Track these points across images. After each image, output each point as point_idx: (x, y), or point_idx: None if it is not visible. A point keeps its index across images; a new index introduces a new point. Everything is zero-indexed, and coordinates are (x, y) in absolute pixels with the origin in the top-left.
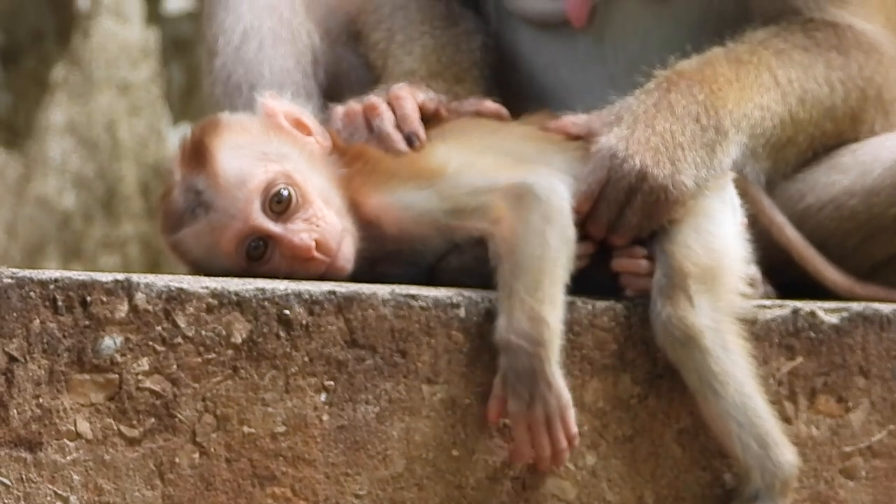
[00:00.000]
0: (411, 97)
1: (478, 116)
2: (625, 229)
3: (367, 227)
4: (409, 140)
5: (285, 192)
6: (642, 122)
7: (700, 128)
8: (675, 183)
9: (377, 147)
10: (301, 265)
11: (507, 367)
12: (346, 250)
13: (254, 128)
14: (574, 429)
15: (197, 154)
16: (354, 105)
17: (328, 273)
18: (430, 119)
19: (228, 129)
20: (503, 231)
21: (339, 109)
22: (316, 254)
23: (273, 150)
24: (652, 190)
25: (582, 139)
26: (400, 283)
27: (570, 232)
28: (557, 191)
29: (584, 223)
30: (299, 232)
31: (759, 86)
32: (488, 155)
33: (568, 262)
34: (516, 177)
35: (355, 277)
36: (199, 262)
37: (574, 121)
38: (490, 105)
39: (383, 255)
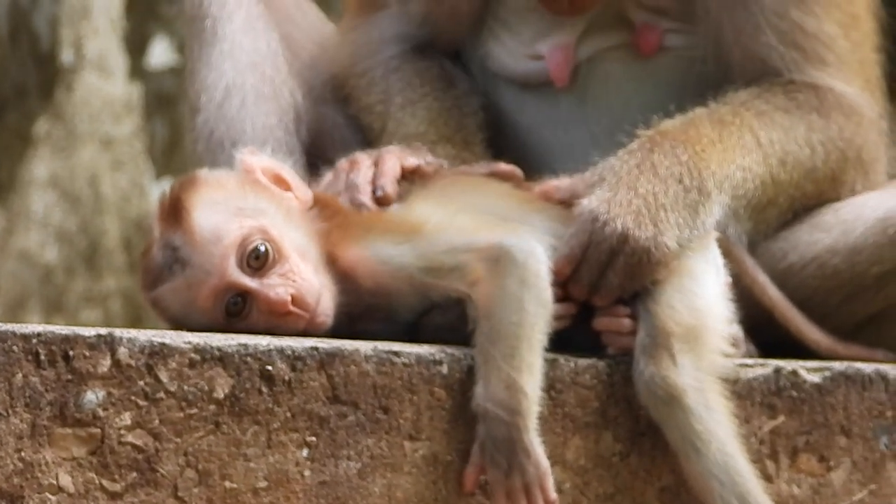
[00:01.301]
0: (397, 157)
1: (490, 178)
2: (606, 290)
3: (344, 280)
4: (376, 194)
5: (261, 248)
6: (625, 183)
7: (683, 188)
8: (658, 244)
9: (347, 199)
10: (278, 320)
11: (485, 435)
12: (325, 305)
13: (231, 184)
14: (553, 495)
15: (174, 211)
16: (344, 162)
17: (308, 328)
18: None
19: (205, 186)
20: (480, 295)
21: (329, 172)
22: (292, 308)
23: (249, 206)
24: (634, 252)
25: (564, 203)
26: (382, 339)
27: (547, 295)
28: (535, 254)
29: (566, 284)
30: (275, 287)
31: (741, 147)
32: (468, 213)
33: (545, 327)
34: (494, 238)
35: (335, 334)
36: (179, 318)
37: (558, 185)
38: (504, 167)
39: (361, 311)
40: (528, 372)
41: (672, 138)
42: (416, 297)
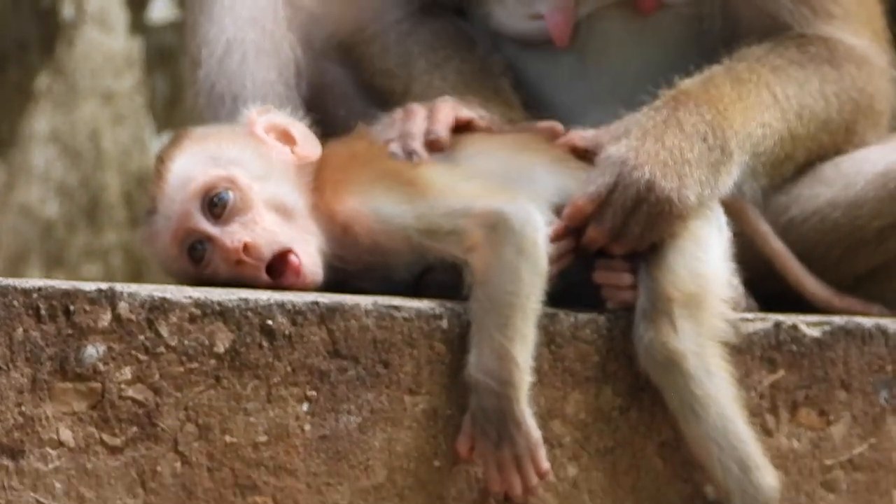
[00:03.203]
0: (451, 108)
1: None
2: (626, 239)
3: (341, 235)
4: (431, 144)
5: (225, 195)
6: (652, 135)
7: (707, 147)
8: (681, 197)
9: (399, 146)
10: (234, 269)
11: (476, 406)
12: (309, 260)
13: (216, 136)
14: (545, 465)
15: (160, 161)
16: (399, 111)
17: (295, 284)
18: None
19: (189, 139)
20: (476, 262)
21: (385, 117)
22: (244, 257)
23: (225, 156)
24: (658, 201)
25: (588, 153)
26: (383, 293)
27: (543, 264)
28: (532, 221)
29: (580, 232)
30: (233, 234)
31: (759, 104)
32: (472, 177)
33: (540, 297)
34: (492, 204)
35: (335, 290)
36: (163, 268)
37: (582, 135)
38: (544, 124)
39: (359, 270)
40: (520, 342)
41: (695, 98)
42: (414, 258)
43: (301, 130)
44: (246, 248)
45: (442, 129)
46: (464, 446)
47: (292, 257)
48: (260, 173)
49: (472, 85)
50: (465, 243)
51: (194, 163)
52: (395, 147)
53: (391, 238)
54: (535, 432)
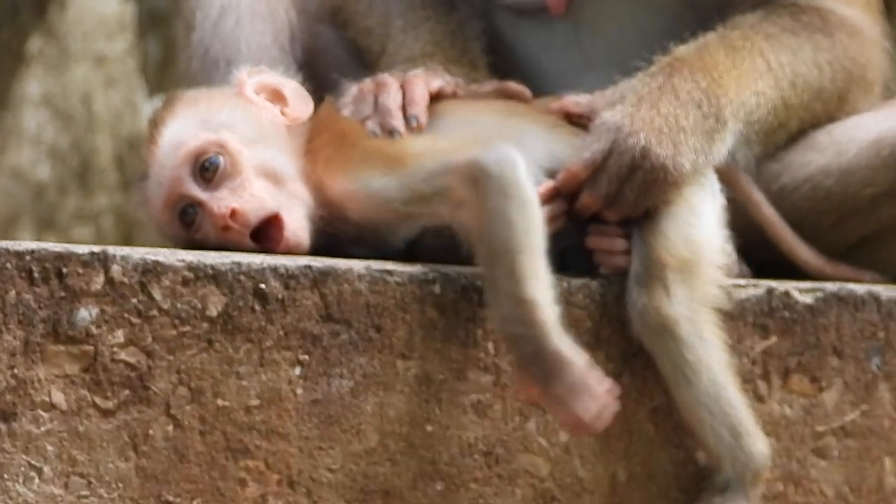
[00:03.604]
0: (424, 83)
1: (499, 97)
2: (620, 205)
3: (332, 209)
4: (409, 122)
5: (216, 160)
6: (647, 102)
7: (702, 115)
8: (676, 164)
9: (377, 123)
10: (221, 235)
11: (518, 355)
12: (295, 226)
13: (208, 99)
14: (604, 385)
15: (151, 125)
16: (367, 83)
17: (279, 250)
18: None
19: (181, 102)
20: (468, 218)
21: (353, 86)
22: (230, 223)
23: (215, 119)
24: (653, 168)
25: (583, 119)
26: (376, 258)
27: (532, 197)
28: (510, 160)
29: (574, 197)
30: (222, 200)
31: (753, 72)
32: (451, 137)
33: (538, 229)
34: (469, 156)
35: (328, 254)
36: (156, 231)
37: (577, 100)
38: (513, 85)
39: (352, 238)
40: (534, 281)
41: (690, 65)
42: (406, 228)
43: (293, 89)
44: (233, 213)
45: (421, 113)
46: (523, 393)
47: (279, 223)
48: (250, 137)
49: (442, 45)
50: (450, 201)
51: (185, 127)
52: (372, 125)
53: (381, 211)
54: (579, 359)
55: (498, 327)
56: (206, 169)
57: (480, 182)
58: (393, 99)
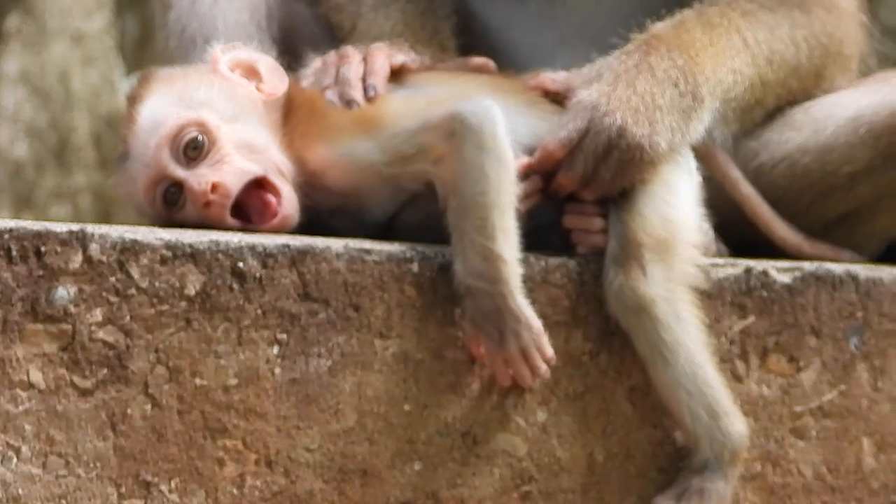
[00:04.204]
0: (385, 56)
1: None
2: (597, 184)
3: (313, 180)
4: (367, 91)
5: (196, 138)
6: (623, 80)
7: (678, 93)
8: (652, 143)
9: (336, 93)
10: (202, 212)
11: (473, 309)
12: (286, 191)
13: (185, 77)
14: (550, 352)
15: (129, 103)
16: (332, 55)
17: (273, 225)
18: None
19: (158, 79)
20: (444, 171)
21: (317, 58)
22: (211, 197)
23: (193, 97)
24: (629, 147)
25: (559, 96)
26: (354, 237)
27: (508, 155)
28: (489, 115)
29: (551, 174)
30: (201, 177)
31: (730, 49)
32: (428, 96)
33: (512, 188)
34: (447, 109)
35: (307, 232)
36: (136, 209)
37: (553, 77)
38: (477, 60)
39: (332, 210)
40: (503, 237)
41: (667, 42)
42: (388, 194)
43: (267, 64)
44: (214, 187)
45: (379, 83)
46: (475, 348)
47: (271, 187)
48: (229, 114)
49: (412, 25)
50: (430, 157)
51: (164, 105)
52: (331, 94)
53: (364, 176)
54: (536, 322)
55: (460, 279)
56: (188, 148)
57: (458, 133)
58: (354, 70)
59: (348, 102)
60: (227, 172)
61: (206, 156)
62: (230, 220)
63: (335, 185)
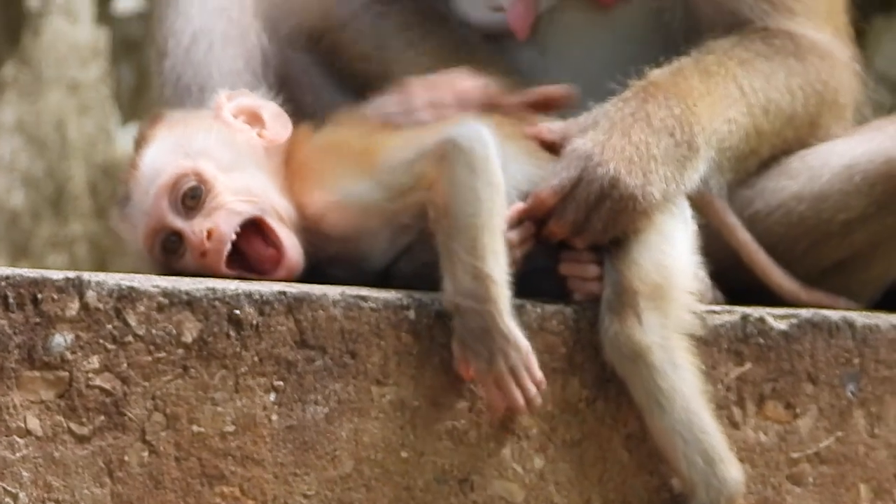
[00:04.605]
0: (451, 83)
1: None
2: (588, 233)
3: (313, 226)
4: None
5: (193, 186)
6: (619, 129)
7: (674, 143)
8: (645, 194)
9: (430, 117)
10: (199, 261)
11: (461, 329)
12: (285, 234)
13: (187, 123)
14: (539, 374)
15: (135, 146)
16: (398, 89)
17: (280, 275)
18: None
19: (162, 125)
20: (435, 196)
21: (379, 97)
22: (207, 244)
23: (193, 145)
24: (622, 198)
25: (555, 145)
26: (350, 284)
27: (498, 178)
28: (480, 138)
29: (545, 220)
30: (198, 224)
31: (727, 98)
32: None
33: (502, 210)
34: (440, 135)
35: (303, 279)
36: (136, 254)
37: (550, 127)
38: (552, 88)
39: (330, 258)
40: (492, 258)
41: (665, 90)
42: (388, 237)
43: (271, 111)
44: (209, 234)
45: (451, 109)
46: (464, 369)
47: (266, 229)
48: (227, 162)
49: (451, 59)
50: (425, 183)
51: (163, 153)
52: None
53: (365, 217)
54: (524, 342)
55: (448, 301)
56: (186, 197)
57: (450, 155)
58: (421, 99)
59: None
60: (221, 217)
61: (203, 204)
62: (226, 270)
63: (334, 229)
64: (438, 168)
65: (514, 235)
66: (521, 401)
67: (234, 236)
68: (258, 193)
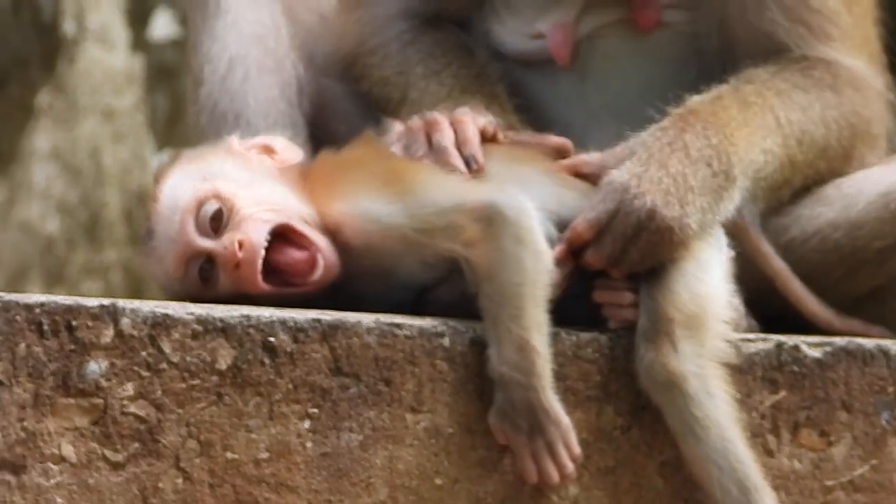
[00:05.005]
0: (473, 122)
1: (539, 150)
2: (625, 265)
3: (333, 237)
4: (468, 162)
5: (215, 208)
6: (656, 160)
7: (711, 173)
8: (682, 226)
9: (435, 161)
10: (233, 275)
11: (504, 400)
12: (321, 245)
13: (203, 155)
14: (577, 450)
15: (154, 184)
16: (415, 121)
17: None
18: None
19: (180, 160)
20: (478, 257)
21: (398, 124)
22: (240, 255)
23: (209, 171)
24: (658, 230)
25: (592, 178)
26: (384, 311)
27: (543, 248)
28: (525, 209)
29: (580, 251)
30: (228, 239)
31: (764, 128)
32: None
33: (546, 281)
34: (483, 196)
35: (337, 304)
36: (164, 287)
37: (588, 160)
38: (554, 139)
39: (357, 273)
40: (537, 331)
41: (703, 119)
42: (414, 259)
43: (281, 143)
44: (240, 245)
45: (477, 151)
46: (502, 438)
47: (296, 236)
48: (244, 181)
49: (469, 90)
50: (460, 238)
51: (181, 181)
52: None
53: (385, 237)
54: (565, 418)
55: (494, 370)
56: (214, 218)
57: (496, 226)
58: (447, 137)
59: (468, 166)
60: (249, 227)
61: (229, 221)
62: (262, 284)
63: (353, 242)
64: (480, 231)
65: (556, 275)
66: (555, 477)
67: (265, 243)
68: (280, 202)
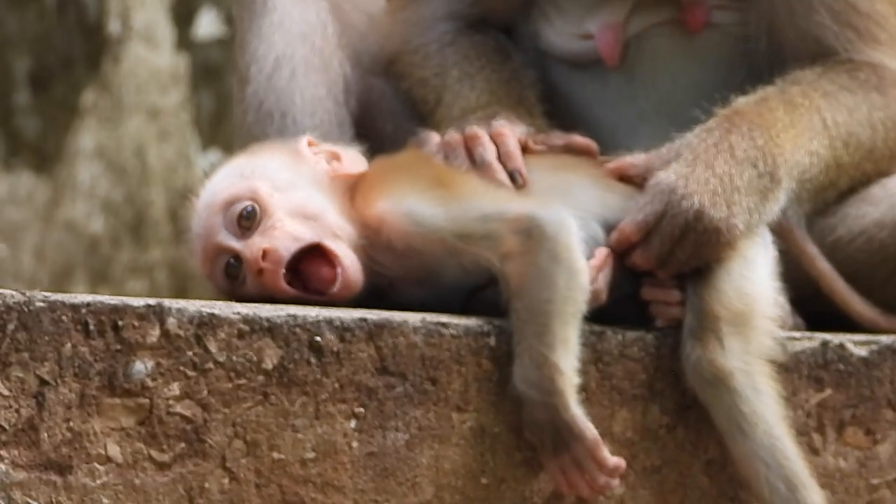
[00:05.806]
0: (513, 134)
1: (566, 151)
2: (672, 265)
3: (374, 237)
4: (513, 176)
5: (249, 208)
6: (702, 161)
7: (757, 174)
8: (729, 226)
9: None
10: (257, 280)
11: (528, 417)
12: (344, 254)
13: (255, 151)
14: (610, 461)
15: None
16: (454, 134)
17: (335, 294)
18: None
19: (235, 156)
20: (511, 271)
21: (435, 136)
22: (263, 264)
23: (249, 169)
24: (706, 230)
25: (638, 179)
26: (431, 311)
27: (579, 266)
28: (566, 226)
29: (628, 252)
30: (253, 245)
31: (810, 130)
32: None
33: (581, 298)
34: (524, 209)
35: (381, 304)
36: (205, 281)
37: (633, 161)
38: (580, 140)
39: (399, 276)
40: (562, 348)
41: (749, 120)
42: (454, 263)
43: (350, 154)
44: (265, 254)
45: (521, 166)
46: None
47: (327, 253)
48: (283, 182)
49: (498, 93)
50: (499, 249)
51: (223, 177)
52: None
53: (425, 240)
54: (590, 432)
55: (515, 386)
56: (241, 218)
57: (534, 239)
58: (490, 152)
59: (513, 181)
60: (277, 238)
61: (259, 224)
62: (286, 288)
63: (395, 241)
64: (518, 243)
65: (601, 283)
66: (586, 491)
67: (289, 257)
68: (314, 212)
